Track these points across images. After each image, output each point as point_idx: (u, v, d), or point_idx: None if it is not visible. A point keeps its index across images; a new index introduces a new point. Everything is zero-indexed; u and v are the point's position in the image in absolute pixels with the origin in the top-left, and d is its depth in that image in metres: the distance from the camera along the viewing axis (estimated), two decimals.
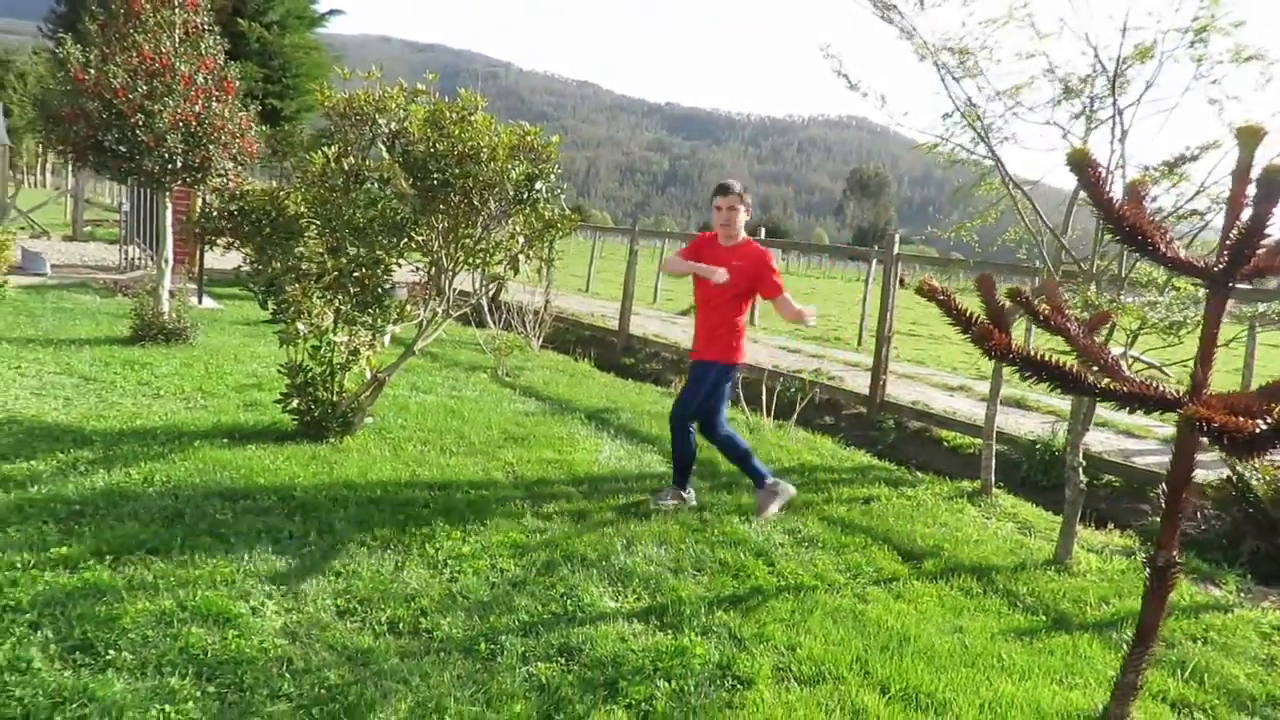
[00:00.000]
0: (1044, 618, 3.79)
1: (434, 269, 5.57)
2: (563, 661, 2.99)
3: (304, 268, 5.16)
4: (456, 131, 5.10)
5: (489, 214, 5.37)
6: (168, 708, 2.48)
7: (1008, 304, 2.74)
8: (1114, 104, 4.35)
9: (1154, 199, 4.21)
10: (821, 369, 9.99)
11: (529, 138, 5.31)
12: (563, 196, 5.59)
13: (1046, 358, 2.45)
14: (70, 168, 19.42)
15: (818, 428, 7.63)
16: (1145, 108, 4.33)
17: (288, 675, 2.72)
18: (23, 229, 17.32)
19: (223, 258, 9.76)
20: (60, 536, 3.53)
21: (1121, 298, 4.28)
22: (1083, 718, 2.94)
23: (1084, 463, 4.58)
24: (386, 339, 5.58)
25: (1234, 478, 5.08)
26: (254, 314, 9.56)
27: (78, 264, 13.82)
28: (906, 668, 3.13)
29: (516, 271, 5.74)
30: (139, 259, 13.31)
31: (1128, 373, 2.65)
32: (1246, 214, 2.31)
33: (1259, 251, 2.34)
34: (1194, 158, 4.16)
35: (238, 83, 8.07)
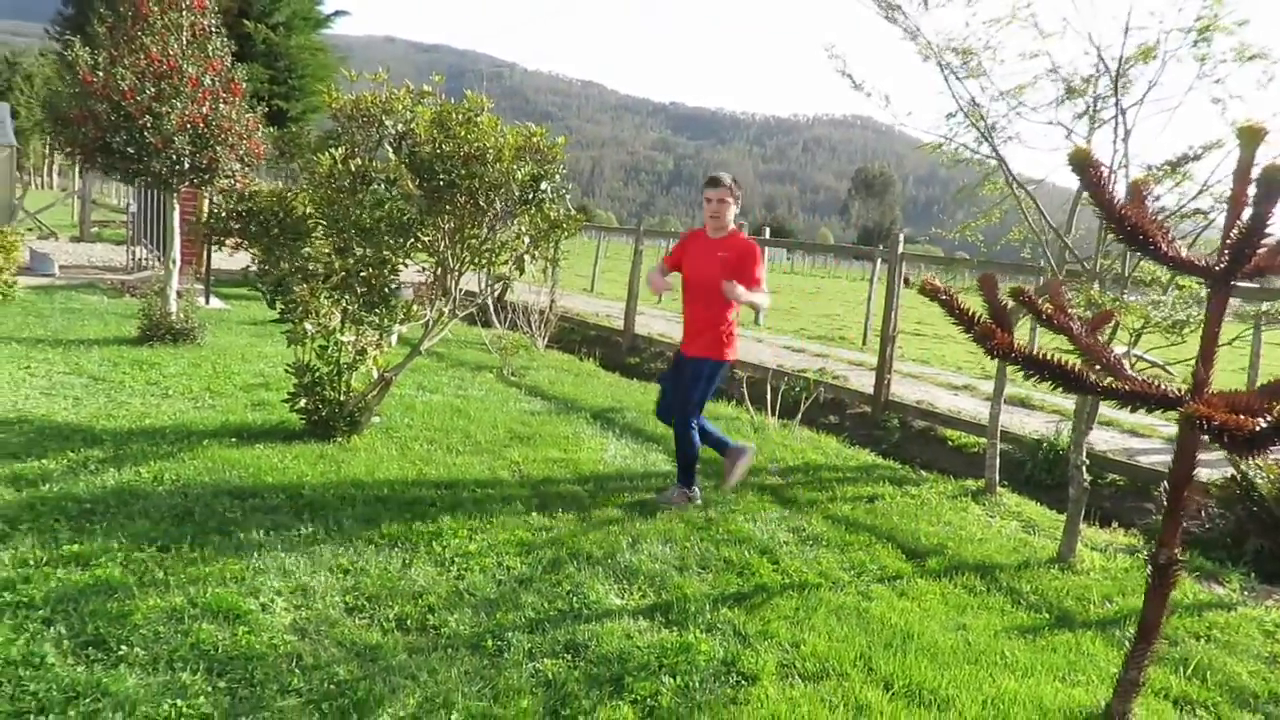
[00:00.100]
0: (1047, 615, 3.81)
1: (440, 269, 5.60)
2: (569, 658, 3.02)
3: (311, 268, 5.20)
4: (463, 133, 5.13)
5: (495, 214, 5.40)
6: (180, 702, 2.51)
7: (1011, 303, 2.76)
8: (1117, 104, 4.36)
9: (1157, 198, 4.22)
10: (826, 368, 10.00)
11: (535, 139, 5.34)
12: (568, 197, 5.62)
13: (1050, 357, 2.48)
14: (77, 169, 19.53)
15: (822, 427, 7.64)
16: (1148, 107, 4.35)
17: (297, 671, 2.76)
18: (30, 230, 17.42)
19: (230, 258, 9.81)
20: (72, 534, 3.57)
21: (1125, 296, 4.30)
22: (1085, 714, 2.95)
23: (1087, 461, 4.59)
24: (393, 339, 5.62)
25: (1238, 477, 5.08)
26: (261, 314, 9.61)
27: (85, 265, 13.89)
28: (910, 664, 3.15)
29: (522, 272, 5.77)
30: (146, 260, 13.38)
31: (1130, 371, 2.67)
32: (1247, 213, 2.33)
33: (1260, 251, 2.35)
34: (1197, 157, 4.17)
35: (244, 84, 8.12)
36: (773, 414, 7.15)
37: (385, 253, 5.20)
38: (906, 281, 7.57)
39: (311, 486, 4.44)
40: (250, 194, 5.80)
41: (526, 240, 5.63)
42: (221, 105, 7.82)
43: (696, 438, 4.77)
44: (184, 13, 7.65)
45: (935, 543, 4.58)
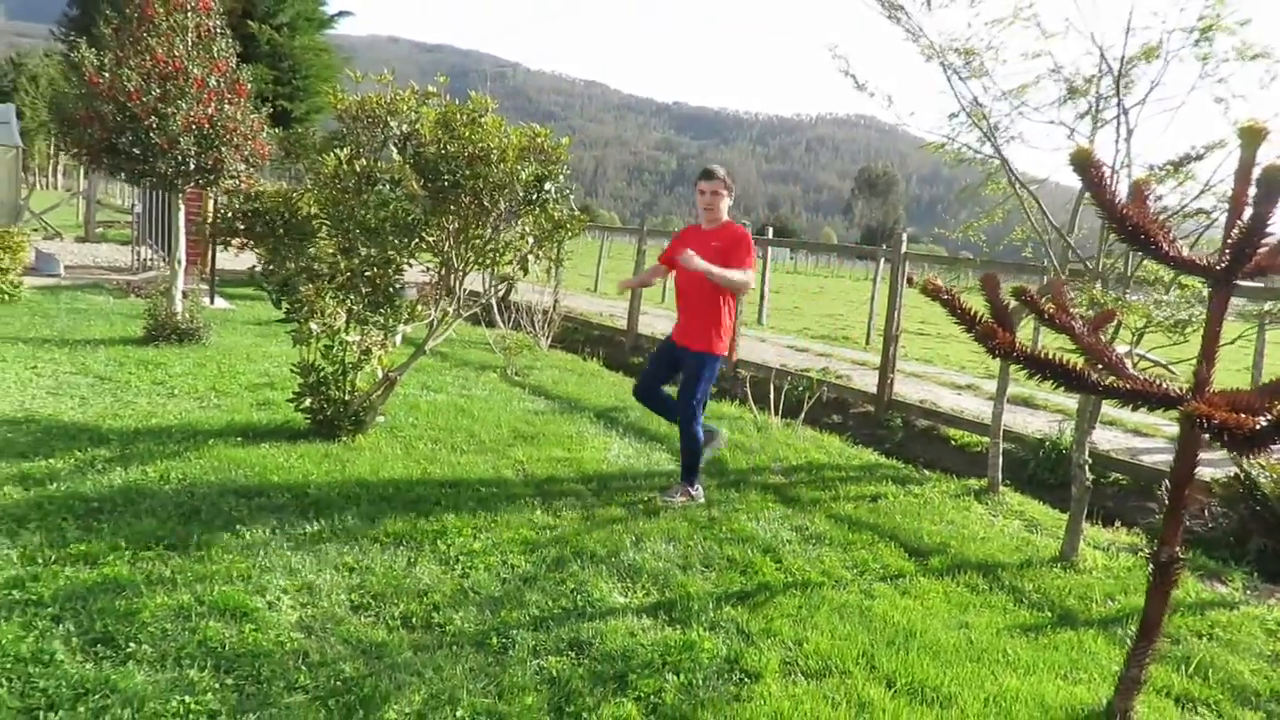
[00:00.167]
0: (1049, 614, 3.82)
1: (444, 269, 5.62)
2: (573, 655, 3.04)
3: (317, 268, 5.22)
4: (467, 133, 5.16)
5: (499, 215, 5.42)
6: (187, 699, 2.54)
7: (1013, 303, 2.77)
8: (1119, 103, 4.37)
9: (1159, 198, 4.23)
10: (829, 368, 10.02)
11: (539, 139, 5.35)
12: (571, 197, 5.64)
13: (1052, 356, 2.49)
14: (82, 170, 19.59)
15: (825, 426, 7.65)
16: (1151, 107, 4.36)
17: (303, 668, 2.78)
18: (36, 230, 17.48)
19: (235, 259, 9.84)
20: (79, 533, 3.60)
21: (1127, 296, 4.30)
22: (1087, 712, 2.96)
23: (1090, 461, 4.60)
24: (398, 338, 5.64)
25: (1241, 476, 5.08)
26: (265, 314, 9.65)
27: (91, 265, 13.94)
28: (912, 662, 3.17)
29: (526, 271, 5.78)
30: (151, 260, 13.42)
31: (1131, 370, 2.68)
32: (1248, 213, 2.34)
33: (1260, 250, 2.37)
34: (1199, 157, 4.18)
35: (249, 85, 8.15)
36: (776, 413, 7.16)
37: (390, 253, 5.23)
38: (910, 281, 7.58)
39: (317, 485, 4.47)
40: (256, 194, 5.82)
41: (530, 240, 5.65)
42: (226, 106, 7.85)
43: (700, 435, 4.79)
44: (189, 14, 7.68)
45: (938, 541, 4.59)
